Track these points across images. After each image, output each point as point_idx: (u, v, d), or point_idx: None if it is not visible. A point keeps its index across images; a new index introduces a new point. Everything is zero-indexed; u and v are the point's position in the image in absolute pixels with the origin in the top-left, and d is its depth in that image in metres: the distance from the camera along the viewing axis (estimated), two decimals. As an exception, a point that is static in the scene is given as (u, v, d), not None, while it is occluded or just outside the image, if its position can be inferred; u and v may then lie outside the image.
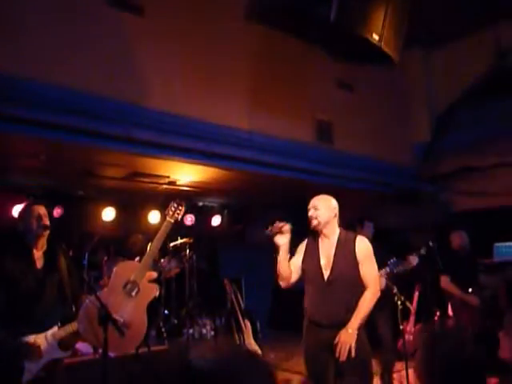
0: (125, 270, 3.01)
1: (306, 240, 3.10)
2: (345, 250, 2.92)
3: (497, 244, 5.36)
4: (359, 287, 2.88)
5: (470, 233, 5.08)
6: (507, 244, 5.25)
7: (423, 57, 6.12)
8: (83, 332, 2.71)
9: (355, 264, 2.88)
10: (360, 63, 4.51)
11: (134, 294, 2.94)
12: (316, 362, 2.89)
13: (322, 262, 2.92)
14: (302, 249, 3.09)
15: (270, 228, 2.96)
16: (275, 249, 2.98)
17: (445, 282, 4.71)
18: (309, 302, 2.97)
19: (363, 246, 2.95)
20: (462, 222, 5.31)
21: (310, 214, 2.99)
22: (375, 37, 3.51)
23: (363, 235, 4.92)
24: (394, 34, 3.65)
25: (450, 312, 4.78)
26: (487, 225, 5.60)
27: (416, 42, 5.52)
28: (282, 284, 3.02)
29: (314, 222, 2.95)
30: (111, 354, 2.85)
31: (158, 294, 3.28)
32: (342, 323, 2.78)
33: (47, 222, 2.90)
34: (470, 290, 4.67)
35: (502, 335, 1.89)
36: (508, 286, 4.90)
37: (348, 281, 2.86)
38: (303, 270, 2.99)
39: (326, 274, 2.88)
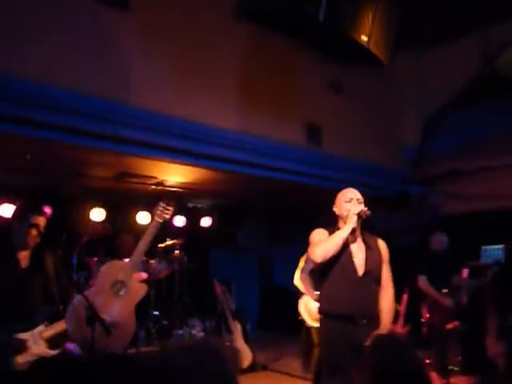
0: (113, 269, 3.00)
1: (325, 231, 3.01)
2: (373, 247, 2.97)
3: (484, 247, 5.43)
4: (379, 285, 2.95)
5: (459, 236, 5.14)
6: (495, 247, 5.32)
7: (412, 60, 6.17)
8: (71, 331, 2.70)
9: (380, 262, 2.96)
10: (349, 65, 4.56)
11: (122, 293, 2.94)
12: (341, 356, 2.81)
13: (356, 256, 2.90)
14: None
15: (361, 209, 2.89)
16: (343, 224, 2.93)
17: (421, 281, 4.82)
18: (334, 296, 2.91)
19: (385, 247, 3.05)
20: (451, 224, 5.35)
21: (362, 204, 2.93)
22: (364, 38, 3.55)
23: None
24: (382, 35, 3.69)
25: (425, 312, 4.87)
26: (475, 228, 5.65)
27: (405, 44, 5.56)
28: (319, 260, 2.86)
29: (367, 212, 2.90)
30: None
31: (146, 293, 3.26)
32: (372, 318, 2.84)
33: (42, 233, 2.87)
34: (445, 290, 4.76)
35: (488, 336, 1.92)
36: (491, 287, 4.99)
37: (376, 277, 2.91)
38: (331, 262, 2.89)
39: (360, 268, 2.88)
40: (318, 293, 4.69)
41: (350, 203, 2.93)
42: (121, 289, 2.88)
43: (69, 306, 2.77)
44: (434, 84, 6.08)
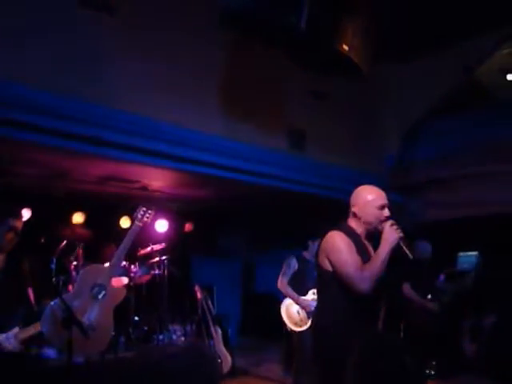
0: (92, 273, 3.00)
1: (348, 238, 2.61)
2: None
3: (460, 253, 5.54)
4: None
5: (436, 242, 5.24)
6: (469, 253, 5.44)
7: (393, 70, 6.27)
8: (47, 334, 2.68)
9: None
10: (332, 73, 4.62)
11: (100, 297, 2.93)
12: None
13: None
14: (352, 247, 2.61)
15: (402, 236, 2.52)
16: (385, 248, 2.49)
17: (406, 289, 4.92)
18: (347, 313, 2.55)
19: None
20: (429, 231, 5.45)
21: (387, 214, 2.61)
22: (345, 47, 3.61)
23: (312, 252, 5.05)
24: (363, 45, 3.76)
25: (410, 318, 4.96)
26: (452, 235, 5.76)
27: (386, 55, 5.66)
28: (370, 288, 2.47)
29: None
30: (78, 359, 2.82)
31: (124, 297, 3.26)
32: None
33: (19, 236, 2.85)
34: (429, 297, 4.86)
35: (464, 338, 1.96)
36: (467, 293, 5.09)
37: None
38: None
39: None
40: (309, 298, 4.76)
41: (382, 211, 2.62)
42: (99, 292, 2.87)
43: (45, 308, 2.75)
44: (414, 93, 6.19)
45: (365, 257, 2.58)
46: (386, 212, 2.61)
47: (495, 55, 5.32)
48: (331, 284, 2.60)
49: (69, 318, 2.37)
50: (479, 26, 5.27)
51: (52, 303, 2.71)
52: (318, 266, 2.68)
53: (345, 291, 2.53)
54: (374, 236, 2.68)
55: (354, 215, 2.68)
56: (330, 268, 2.59)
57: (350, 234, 2.62)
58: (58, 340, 2.60)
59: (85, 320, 2.66)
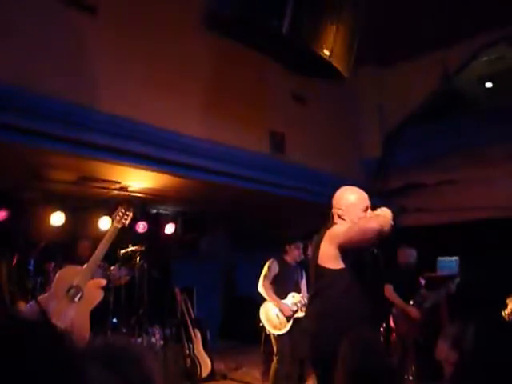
0: (68, 274, 2.95)
1: None
2: None
3: (440, 258, 5.60)
4: None
5: (416, 247, 5.29)
6: (449, 258, 5.49)
7: (374, 75, 6.35)
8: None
9: None
10: (313, 77, 4.65)
11: (77, 299, 2.89)
12: None
13: None
14: None
15: None
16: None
17: (388, 291, 4.93)
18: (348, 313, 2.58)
19: None
20: (409, 236, 5.51)
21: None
22: (326, 52, 3.63)
23: (292, 255, 5.08)
24: (344, 50, 3.79)
25: (391, 322, 4.98)
26: (432, 240, 5.83)
27: (367, 60, 5.73)
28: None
29: None
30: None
31: (102, 299, 3.21)
32: None
33: None
34: (412, 302, 4.90)
35: (440, 340, 1.98)
36: (448, 299, 5.13)
37: None
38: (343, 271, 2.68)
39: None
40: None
41: (365, 212, 2.68)
42: (76, 294, 2.83)
43: (20, 311, 2.70)
44: (394, 99, 6.27)
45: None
46: (370, 213, 2.66)
47: (474, 63, 5.41)
48: (335, 283, 2.60)
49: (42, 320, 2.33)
50: (459, 34, 5.36)
51: (27, 306, 2.66)
52: (318, 268, 2.66)
53: (349, 290, 2.57)
54: None
55: (339, 217, 2.71)
56: (336, 266, 2.59)
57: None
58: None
59: (60, 323, 2.61)
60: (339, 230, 2.62)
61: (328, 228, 2.69)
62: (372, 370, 1.62)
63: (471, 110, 6.04)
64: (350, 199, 2.72)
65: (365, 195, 2.76)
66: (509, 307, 4.08)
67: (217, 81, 5.03)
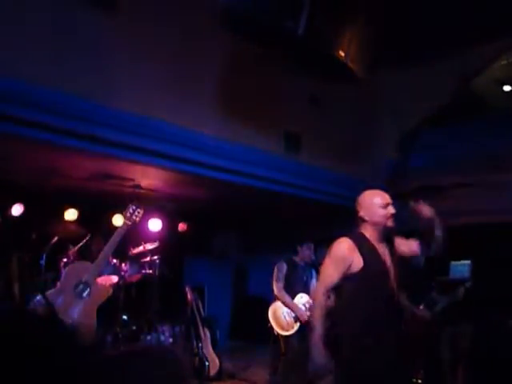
0: (77, 270, 2.97)
1: (354, 243, 2.71)
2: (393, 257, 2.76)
3: (453, 262, 5.50)
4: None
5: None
6: (462, 262, 5.40)
7: (391, 77, 6.27)
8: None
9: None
10: (329, 78, 4.61)
11: (85, 294, 2.91)
12: None
13: (386, 269, 2.68)
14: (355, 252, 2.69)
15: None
16: None
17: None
18: (367, 317, 2.61)
19: None
20: (421, 239, 5.42)
21: (392, 211, 2.73)
22: (341, 53, 3.60)
23: (302, 256, 5.05)
24: (360, 51, 3.74)
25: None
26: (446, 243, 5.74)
27: (384, 62, 5.66)
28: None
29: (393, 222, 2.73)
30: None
31: (110, 296, 3.23)
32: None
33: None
34: (422, 306, 4.83)
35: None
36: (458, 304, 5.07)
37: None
38: (362, 276, 2.63)
39: (392, 282, 2.67)
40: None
41: (386, 209, 2.73)
42: (84, 290, 2.85)
43: (28, 305, 2.73)
44: (411, 101, 6.19)
45: (374, 257, 2.66)
46: (391, 209, 2.72)
47: (492, 66, 5.32)
48: (350, 288, 2.66)
49: (49, 316, 2.34)
50: (478, 37, 5.28)
51: (35, 300, 2.68)
52: None
53: (366, 294, 2.62)
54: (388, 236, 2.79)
55: (362, 220, 2.77)
56: (353, 270, 2.63)
57: (358, 238, 2.71)
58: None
59: (67, 318, 2.63)
60: (328, 253, 2.73)
61: (348, 234, 2.76)
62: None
63: (488, 113, 5.93)
64: (369, 200, 2.79)
65: (384, 194, 2.81)
66: None
67: (233, 79, 5.02)
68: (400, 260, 2.80)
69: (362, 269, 2.60)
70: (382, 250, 2.74)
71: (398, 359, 2.63)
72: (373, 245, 2.71)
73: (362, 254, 2.64)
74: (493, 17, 4.70)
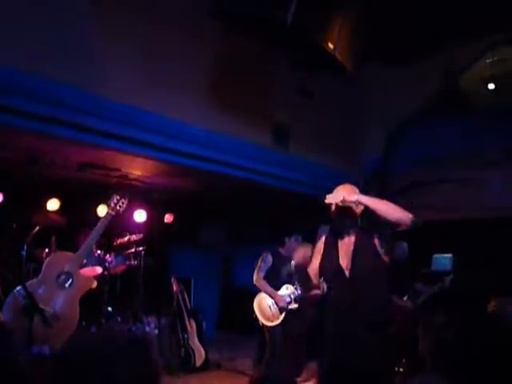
0: (59, 260, 2.93)
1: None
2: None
3: (435, 255, 5.60)
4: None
5: (411, 243, 5.27)
6: (444, 255, 5.50)
7: (378, 73, 6.28)
8: (8, 322, 2.61)
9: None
10: (318, 71, 4.60)
11: (67, 285, 2.87)
12: None
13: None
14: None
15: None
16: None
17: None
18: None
19: None
20: (405, 232, 5.48)
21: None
22: (330, 45, 3.58)
23: (290, 248, 5.09)
24: (349, 45, 3.73)
25: None
26: (428, 236, 5.81)
27: (372, 58, 5.67)
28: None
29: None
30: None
31: (93, 287, 3.20)
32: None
33: None
34: (406, 297, 4.88)
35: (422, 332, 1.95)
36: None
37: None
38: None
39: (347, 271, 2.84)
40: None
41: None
42: (66, 281, 2.82)
43: (8, 296, 2.69)
44: (398, 98, 6.23)
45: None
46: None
47: (478, 64, 5.35)
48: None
49: (30, 306, 2.31)
50: (465, 34, 5.30)
51: (15, 290, 2.64)
52: None
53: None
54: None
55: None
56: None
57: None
58: (18, 328, 2.53)
59: (49, 309, 2.59)
60: None
61: None
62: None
63: (473, 110, 5.98)
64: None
65: (347, 185, 3.01)
66: (491, 304, 4.09)
67: (221, 71, 4.98)
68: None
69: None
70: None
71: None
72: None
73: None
74: (478, 15, 4.72)
